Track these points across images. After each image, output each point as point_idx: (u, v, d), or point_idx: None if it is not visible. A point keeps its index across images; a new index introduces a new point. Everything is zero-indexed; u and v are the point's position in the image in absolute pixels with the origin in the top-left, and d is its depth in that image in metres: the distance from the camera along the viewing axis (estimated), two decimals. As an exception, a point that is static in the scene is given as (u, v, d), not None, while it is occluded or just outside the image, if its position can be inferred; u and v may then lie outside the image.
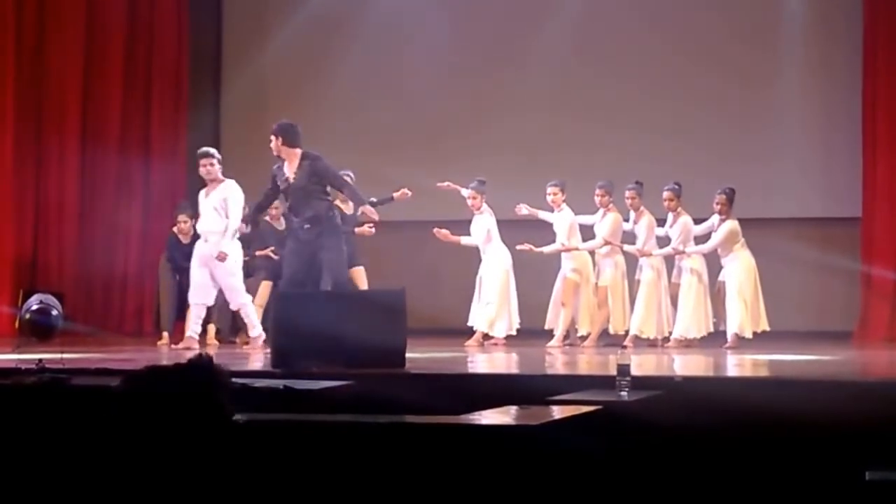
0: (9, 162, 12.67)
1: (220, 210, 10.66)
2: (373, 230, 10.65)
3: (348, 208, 11.03)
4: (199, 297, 10.79)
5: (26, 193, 11.87)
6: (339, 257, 9.66)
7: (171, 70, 13.82)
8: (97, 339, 10.50)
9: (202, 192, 10.87)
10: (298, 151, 9.75)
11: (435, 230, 11.59)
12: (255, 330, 10.77)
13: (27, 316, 8.93)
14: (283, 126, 9.83)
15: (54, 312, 8.99)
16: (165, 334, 11.68)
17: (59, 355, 7.63)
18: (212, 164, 10.73)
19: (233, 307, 11.00)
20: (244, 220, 10.64)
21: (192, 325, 10.77)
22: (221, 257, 10.62)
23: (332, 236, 9.65)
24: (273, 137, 9.79)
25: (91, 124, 13.30)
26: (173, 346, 10.57)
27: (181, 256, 11.72)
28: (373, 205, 10.07)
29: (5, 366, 7.23)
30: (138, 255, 12.93)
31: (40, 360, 6.99)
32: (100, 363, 8.41)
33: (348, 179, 10.35)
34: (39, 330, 9.00)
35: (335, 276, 9.53)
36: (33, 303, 9.02)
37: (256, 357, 9.88)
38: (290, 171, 9.74)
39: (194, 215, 11.80)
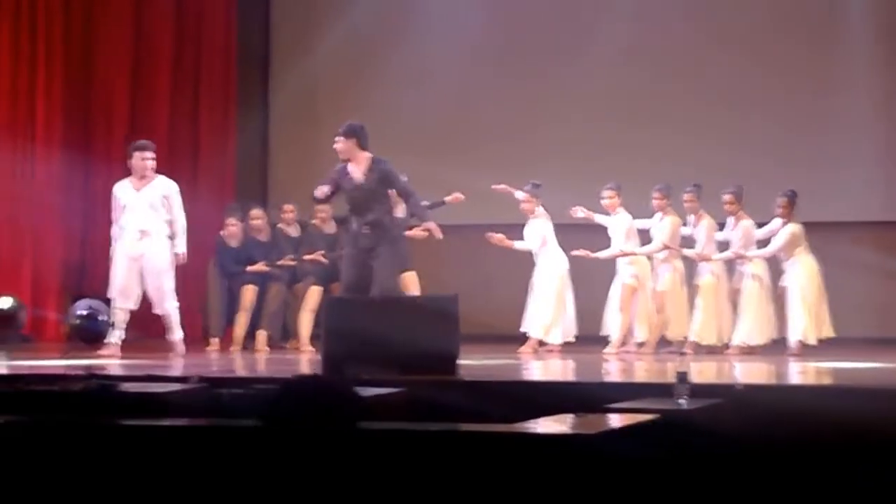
0: (56, 165, 12.69)
1: (160, 207, 10.28)
2: (425, 233, 10.48)
3: (399, 210, 10.89)
4: (124, 302, 10.16)
5: (74, 198, 11.90)
6: (389, 267, 9.46)
7: (220, 71, 13.81)
8: (144, 344, 10.45)
9: (127, 186, 10.32)
10: (368, 154, 9.56)
11: (488, 234, 11.45)
12: (177, 333, 10.34)
13: (75, 321, 8.89)
14: (355, 127, 9.58)
15: (101, 318, 8.95)
16: (215, 340, 11.61)
17: (107, 361, 7.57)
18: (153, 158, 10.36)
19: (160, 311, 10.40)
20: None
21: (118, 332, 10.08)
22: (182, 259, 10.31)
23: (386, 243, 9.47)
24: (342, 138, 9.52)
25: (139, 126, 13.29)
26: (102, 353, 9.81)
27: (229, 261, 11.65)
28: (425, 210, 9.91)
29: (53, 372, 7.18)
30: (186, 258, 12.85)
31: (88, 366, 6.93)
32: (147, 369, 8.36)
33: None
34: (87, 335, 8.96)
35: (383, 285, 9.36)
36: (81, 308, 8.98)
37: (304, 364, 9.79)
38: (358, 173, 9.53)
39: (244, 218, 11.73)
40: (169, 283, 10.30)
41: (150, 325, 10.68)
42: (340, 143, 9.55)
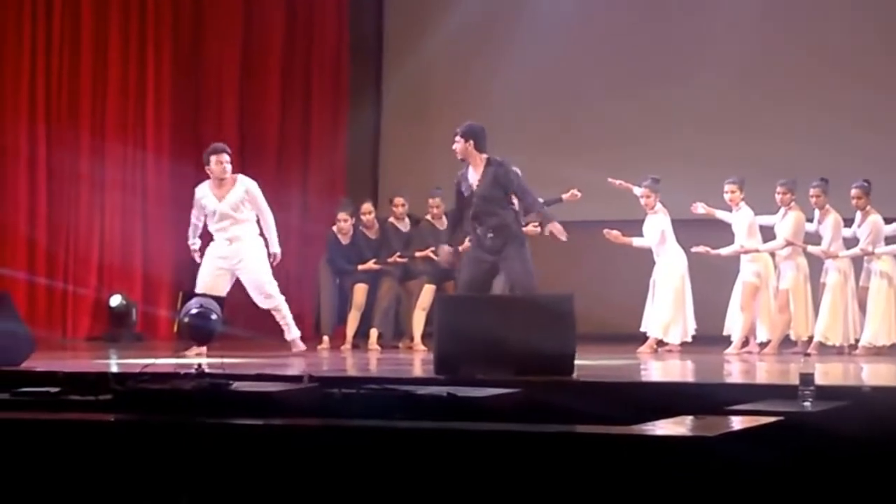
0: (166, 163, 12.81)
1: (243, 209, 10.18)
2: (538, 229, 10.32)
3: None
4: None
5: (185, 194, 11.96)
6: (523, 266, 9.32)
7: (331, 65, 13.86)
8: (256, 343, 10.46)
9: (208, 193, 10.23)
10: (484, 156, 9.42)
11: (605, 231, 11.31)
12: (293, 331, 10.33)
13: (186, 320, 8.91)
14: (474, 128, 9.44)
15: (213, 316, 8.95)
16: (326, 338, 11.61)
17: (218, 360, 7.56)
18: (229, 161, 10.27)
19: (267, 307, 10.33)
20: (448, 242, 10.07)
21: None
22: (277, 259, 10.27)
23: (515, 245, 9.33)
24: (460, 139, 9.39)
25: (248, 121, 13.40)
26: (187, 353, 9.62)
27: (340, 258, 11.62)
28: (547, 210, 9.73)
29: (165, 370, 7.18)
30: (297, 256, 12.88)
31: (199, 365, 6.91)
32: (259, 368, 8.34)
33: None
34: (199, 334, 8.97)
35: (523, 286, 9.22)
36: (193, 306, 9.00)
37: (417, 363, 9.71)
38: (474, 176, 9.41)
39: (355, 213, 11.69)
40: (269, 281, 10.27)
41: (262, 322, 10.68)
42: (458, 144, 9.44)
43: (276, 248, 10.33)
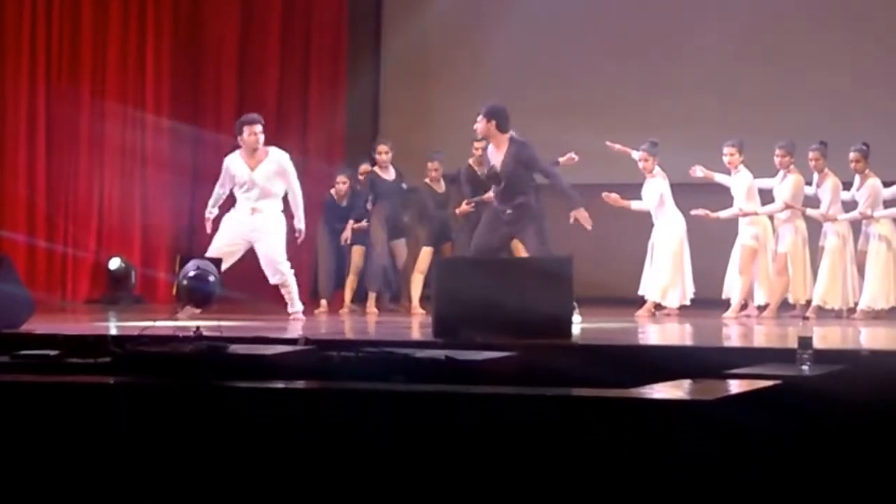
0: (166, 127, 12.77)
1: (275, 182, 10.20)
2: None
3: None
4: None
5: (183, 160, 12.04)
6: (541, 235, 9.29)
7: (330, 29, 13.81)
8: (254, 306, 10.47)
9: (240, 163, 10.24)
10: (507, 136, 9.35)
11: (604, 194, 11.28)
12: (297, 305, 10.28)
13: (184, 282, 8.91)
14: (497, 109, 9.35)
15: (211, 279, 8.95)
16: (324, 302, 11.60)
17: (216, 322, 7.56)
18: (262, 132, 10.25)
19: (276, 281, 10.31)
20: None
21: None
22: (303, 235, 10.31)
23: (532, 219, 9.32)
24: (483, 119, 9.32)
25: (248, 86, 13.37)
26: (179, 315, 9.33)
27: (337, 219, 11.59)
28: (574, 192, 9.65)
29: (163, 333, 7.18)
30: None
31: (198, 328, 6.91)
32: (257, 331, 8.34)
33: None
34: (197, 297, 8.97)
35: (540, 252, 9.20)
36: (190, 269, 8.99)
37: (415, 327, 9.71)
38: (496, 157, 9.36)
39: (353, 176, 11.65)
40: (282, 259, 10.27)
41: (262, 287, 10.68)
42: (480, 124, 9.38)
43: (302, 224, 10.35)
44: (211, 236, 10.39)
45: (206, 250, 10.11)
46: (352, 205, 11.74)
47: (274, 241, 10.23)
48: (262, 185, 10.20)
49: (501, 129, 9.32)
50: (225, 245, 10.19)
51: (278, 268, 10.23)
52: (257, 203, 10.22)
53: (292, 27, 13.70)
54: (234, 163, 10.31)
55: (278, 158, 10.29)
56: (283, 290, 10.34)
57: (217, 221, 10.38)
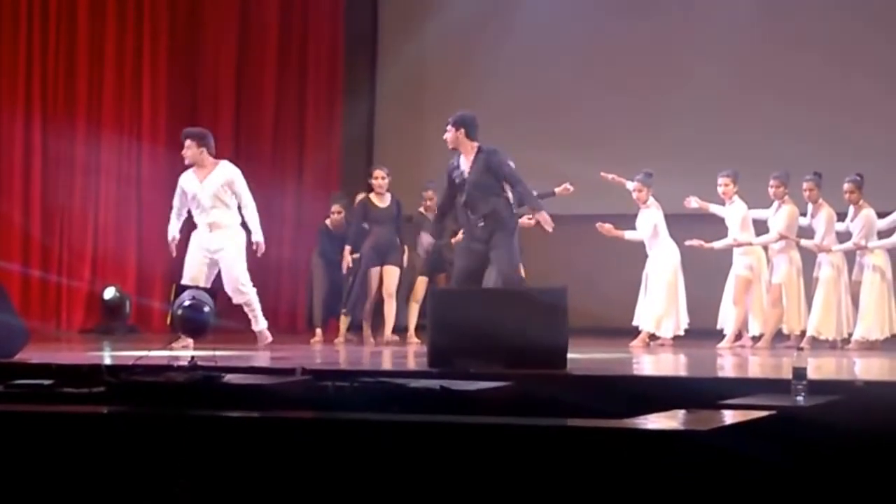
0: (162, 155, 12.77)
1: (225, 195, 10.18)
2: (531, 222, 10.27)
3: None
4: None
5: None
6: (509, 255, 9.33)
7: (326, 59, 13.84)
8: (249, 336, 10.45)
9: (191, 178, 10.22)
10: (475, 145, 9.43)
11: (598, 225, 11.29)
12: (261, 322, 10.30)
13: (179, 312, 8.89)
14: (465, 117, 9.46)
15: (206, 309, 8.93)
16: (318, 331, 11.56)
17: (211, 352, 7.55)
18: (189, 147, 10.23)
19: (239, 301, 10.28)
20: (434, 236, 10.09)
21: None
22: (262, 248, 10.26)
23: (504, 233, 9.33)
24: (451, 128, 9.40)
25: (245, 113, 13.37)
26: (174, 345, 9.45)
27: (332, 249, 11.57)
28: (536, 199, 9.73)
29: (158, 363, 7.17)
30: (291, 248, 12.87)
31: (192, 358, 6.90)
32: (252, 361, 8.33)
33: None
34: (191, 326, 8.96)
35: (505, 274, 9.24)
36: (185, 299, 8.98)
37: (410, 356, 9.69)
38: (465, 164, 9.42)
39: (348, 205, 11.63)
40: (242, 272, 10.24)
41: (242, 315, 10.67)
42: (449, 133, 9.45)
43: (258, 237, 10.32)
44: (173, 261, 10.39)
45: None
46: (346, 234, 11.73)
47: (233, 259, 10.19)
48: (210, 195, 10.17)
49: (470, 137, 9.39)
50: (195, 268, 10.18)
51: (239, 287, 10.18)
52: (211, 218, 10.18)
53: (289, 55, 13.74)
54: (185, 179, 10.32)
55: (226, 171, 10.28)
56: (246, 310, 10.28)
57: (182, 248, 10.33)
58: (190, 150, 10.27)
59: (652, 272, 11.20)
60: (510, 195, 9.49)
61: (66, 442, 5.10)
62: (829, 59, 12.68)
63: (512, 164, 9.62)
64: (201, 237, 10.25)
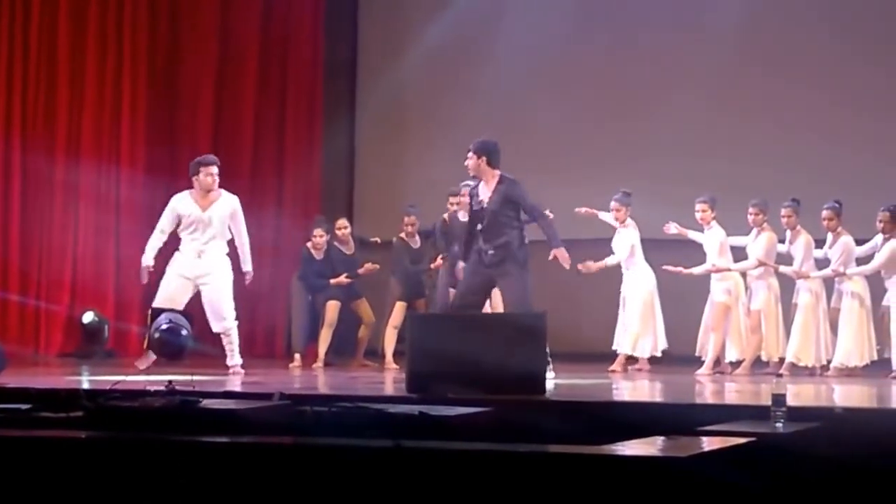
0: (140, 180, 12.73)
1: (225, 225, 10.16)
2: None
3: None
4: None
5: (158, 212, 11.90)
6: (522, 288, 9.23)
7: (306, 84, 13.83)
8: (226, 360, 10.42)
9: (190, 203, 10.20)
10: (497, 173, 9.37)
11: (579, 266, 11.04)
12: (236, 358, 10.21)
13: (156, 335, 8.85)
14: (487, 145, 9.38)
15: (184, 332, 8.90)
16: (297, 356, 11.53)
17: (188, 377, 7.53)
18: (217, 175, 10.22)
19: (219, 330, 10.23)
20: (462, 259, 9.90)
21: None
22: (250, 278, 10.26)
23: (514, 264, 9.25)
24: (473, 156, 9.33)
25: (224, 137, 13.34)
26: (139, 365, 9.64)
27: (313, 274, 11.56)
28: (556, 235, 9.61)
29: (134, 387, 7.14)
30: (270, 272, 12.81)
31: (170, 382, 6.88)
32: (230, 386, 8.30)
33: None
34: (169, 350, 8.92)
35: (517, 304, 9.17)
36: (162, 322, 8.94)
37: (388, 382, 9.68)
38: (485, 192, 9.35)
39: (330, 230, 11.64)
40: (228, 301, 10.19)
41: (238, 340, 10.61)
42: (471, 160, 9.37)
43: (249, 267, 10.29)
44: (152, 285, 10.30)
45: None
46: (327, 257, 11.72)
47: (221, 287, 10.13)
48: (214, 225, 10.13)
49: (492, 165, 9.34)
50: (171, 290, 10.09)
51: (222, 312, 10.11)
52: (205, 245, 10.13)
53: (268, 80, 13.72)
54: (182, 203, 10.23)
55: (231, 201, 10.26)
56: (224, 340, 10.21)
57: (154, 274, 10.25)
58: (217, 177, 10.18)
59: (628, 293, 11.23)
60: (524, 228, 9.43)
61: (43, 467, 5.07)
62: (808, 86, 12.70)
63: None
64: (185, 262, 10.18)
